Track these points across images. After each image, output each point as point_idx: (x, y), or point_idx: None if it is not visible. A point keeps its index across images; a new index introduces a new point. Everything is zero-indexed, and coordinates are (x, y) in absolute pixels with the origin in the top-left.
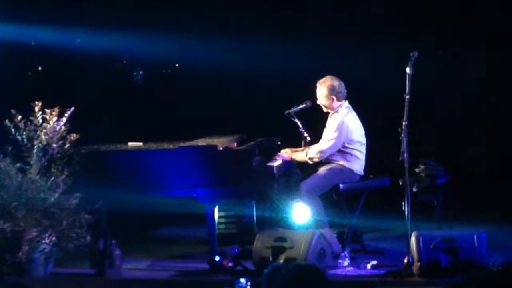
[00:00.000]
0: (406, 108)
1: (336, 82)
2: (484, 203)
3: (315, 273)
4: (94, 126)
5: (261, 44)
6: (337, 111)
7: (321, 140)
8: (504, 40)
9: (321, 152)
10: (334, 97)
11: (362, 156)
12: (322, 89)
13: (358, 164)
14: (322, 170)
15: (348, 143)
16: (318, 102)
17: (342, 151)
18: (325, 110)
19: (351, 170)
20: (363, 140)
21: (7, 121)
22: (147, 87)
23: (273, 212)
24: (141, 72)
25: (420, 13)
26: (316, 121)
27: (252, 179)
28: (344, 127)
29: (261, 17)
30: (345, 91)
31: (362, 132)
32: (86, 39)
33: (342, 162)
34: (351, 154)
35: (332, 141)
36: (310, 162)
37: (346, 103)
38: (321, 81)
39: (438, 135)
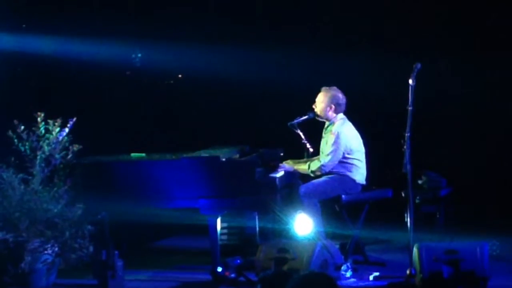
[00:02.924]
0: (408, 120)
1: (340, 95)
2: (487, 215)
3: (326, 281)
4: (97, 137)
5: (264, 55)
6: (333, 123)
7: (321, 154)
8: (505, 51)
9: (323, 165)
10: (333, 106)
11: (362, 165)
12: (326, 94)
13: (359, 174)
14: (324, 176)
15: (348, 153)
16: (315, 105)
17: (343, 162)
18: (318, 117)
19: (353, 180)
20: (362, 148)
21: (10, 131)
22: (149, 97)
23: (275, 223)
24: (139, 55)
25: (423, 24)
26: (318, 133)
27: (254, 190)
28: (342, 138)
29: (264, 28)
30: (345, 107)
31: (360, 140)
32: (88, 49)
33: (344, 173)
34: (351, 164)
35: (332, 154)
36: (312, 175)
37: (341, 115)
38: (327, 88)
39: (441, 147)
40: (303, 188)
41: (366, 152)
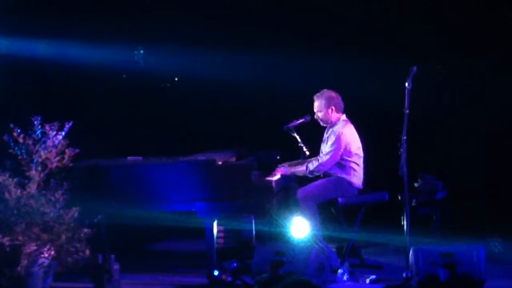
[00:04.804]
0: (405, 123)
1: (333, 94)
2: (483, 217)
3: None
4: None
5: (260, 58)
6: (335, 124)
7: (320, 154)
8: (502, 54)
9: (321, 165)
10: (333, 107)
11: (359, 169)
12: (321, 100)
13: (356, 177)
14: (321, 179)
15: (346, 156)
16: (316, 115)
17: (340, 164)
18: (322, 124)
19: (350, 183)
20: (361, 152)
21: (6, 135)
22: (145, 100)
23: (272, 226)
24: (142, 51)
25: (420, 27)
26: (315, 135)
27: (251, 193)
28: (342, 139)
29: (260, 31)
30: (342, 103)
31: (359, 144)
32: (84, 52)
33: (341, 175)
34: (349, 167)
35: (331, 153)
36: (310, 175)
37: (343, 116)
38: (318, 94)
39: (437, 149)
40: (300, 192)
41: (363, 156)
